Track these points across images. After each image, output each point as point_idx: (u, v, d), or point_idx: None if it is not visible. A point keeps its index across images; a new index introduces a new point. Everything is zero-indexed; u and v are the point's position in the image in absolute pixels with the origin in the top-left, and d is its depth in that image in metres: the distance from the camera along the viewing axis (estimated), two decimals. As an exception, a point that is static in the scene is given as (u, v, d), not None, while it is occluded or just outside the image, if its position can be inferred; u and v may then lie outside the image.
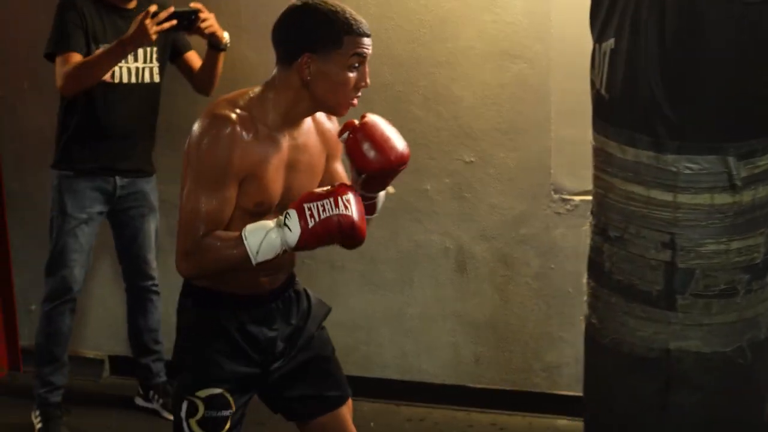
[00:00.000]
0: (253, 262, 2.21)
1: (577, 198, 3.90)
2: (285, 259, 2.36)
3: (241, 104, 2.28)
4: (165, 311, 4.14)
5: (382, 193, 2.46)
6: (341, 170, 2.55)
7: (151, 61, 3.89)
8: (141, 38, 3.56)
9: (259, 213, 2.28)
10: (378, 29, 3.84)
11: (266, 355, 2.47)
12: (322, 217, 2.19)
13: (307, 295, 2.60)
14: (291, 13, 2.31)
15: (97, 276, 4.33)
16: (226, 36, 3.83)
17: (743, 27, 1.95)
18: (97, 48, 3.70)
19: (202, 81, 3.98)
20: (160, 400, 4.16)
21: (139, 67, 3.86)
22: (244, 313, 2.43)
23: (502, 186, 4.01)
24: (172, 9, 3.61)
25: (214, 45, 3.86)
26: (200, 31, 3.75)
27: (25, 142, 4.50)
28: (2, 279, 4.58)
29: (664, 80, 2.01)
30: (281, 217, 2.21)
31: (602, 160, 2.14)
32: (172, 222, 3.69)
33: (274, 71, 2.35)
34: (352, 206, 2.25)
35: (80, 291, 4.01)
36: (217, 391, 2.37)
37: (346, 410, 2.65)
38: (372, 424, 4.01)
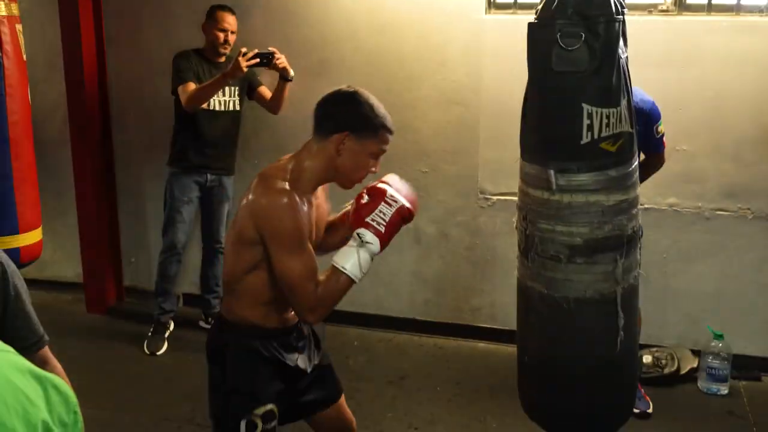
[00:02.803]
0: (358, 280, 2.08)
1: (495, 198, 4.17)
2: None
3: (285, 176, 2.09)
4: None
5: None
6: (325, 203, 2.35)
7: (233, 96, 4.15)
8: (236, 71, 3.76)
9: None
10: (366, 80, 4.11)
11: (296, 375, 2.29)
12: (387, 220, 2.07)
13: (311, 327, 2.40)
14: (342, 95, 2.15)
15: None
16: (291, 71, 4.02)
17: (544, 91, 2.12)
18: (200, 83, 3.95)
19: (273, 105, 4.18)
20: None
21: (226, 99, 4.12)
22: (275, 342, 2.23)
23: (446, 188, 4.30)
24: (256, 50, 3.80)
25: (283, 77, 4.05)
26: (275, 67, 3.93)
27: (129, 148, 4.77)
28: (113, 241, 4.84)
29: (525, 125, 2.24)
30: (357, 238, 2.06)
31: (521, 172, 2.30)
32: (231, 207, 4.19)
33: (311, 141, 2.17)
34: (397, 197, 2.13)
35: (184, 248, 4.29)
36: (270, 407, 2.18)
37: (341, 401, 2.49)
38: (356, 342, 4.32)
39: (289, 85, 4.11)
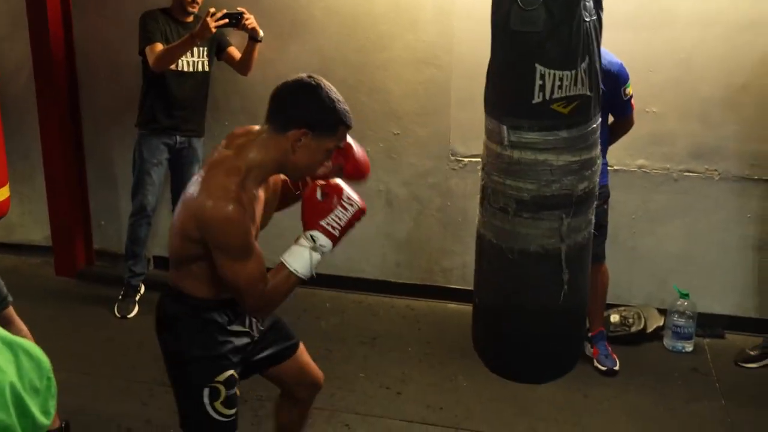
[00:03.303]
0: (307, 279, 2.07)
1: (466, 159, 4.18)
2: None
3: (234, 179, 1.99)
4: None
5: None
6: None
7: (202, 57, 4.07)
8: (204, 31, 3.73)
9: None
10: (337, 40, 4.22)
11: (250, 341, 2.31)
12: (342, 225, 2.05)
13: None
14: (302, 86, 2.03)
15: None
16: (261, 32, 3.99)
17: (502, 49, 2.11)
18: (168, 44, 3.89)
19: (243, 66, 4.15)
20: None
21: (195, 60, 4.05)
22: (229, 312, 2.22)
23: (417, 150, 4.28)
24: (224, 11, 3.77)
25: (253, 37, 4.02)
26: (244, 27, 3.89)
27: (98, 110, 4.69)
28: (82, 203, 4.77)
29: (487, 80, 2.20)
30: (310, 240, 2.03)
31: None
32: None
33: (264, 133, 2.06)
34: (353, 198, 2.11)
35: (154, 210, 4.24)
36: (230, 372, 2.20)
37: (301, 351, 2.48)
38: (327, 304, 4.33)
39: (258, 46, 4.07)
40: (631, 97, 3.47)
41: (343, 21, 4.24)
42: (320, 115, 2.02)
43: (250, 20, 3.92)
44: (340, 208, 2.06)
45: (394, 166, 4.35)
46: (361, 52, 4.24)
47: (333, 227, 2.04)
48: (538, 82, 2.03)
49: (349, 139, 2.18)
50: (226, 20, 3.79)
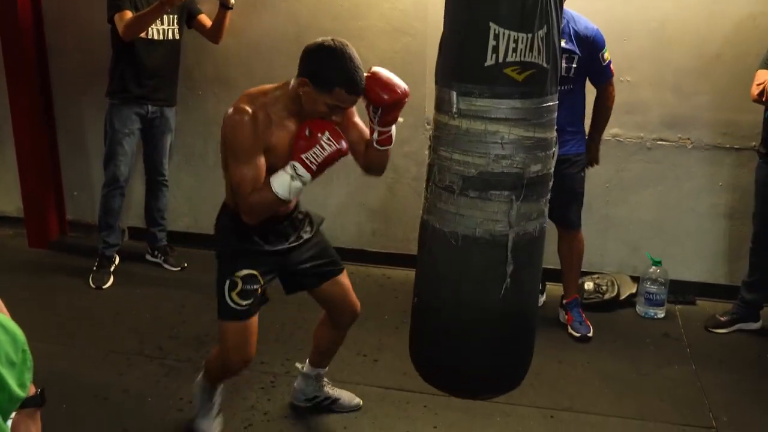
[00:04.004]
0: (288, 201, 2.39)
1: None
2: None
3: (259, 99, 2.37)
4: (169, 198, 4.46)
5: (394, 126, 2.50)
6: (359, 122, 2.57)
7: (172, 24, 4.02)
8: None
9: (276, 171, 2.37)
10: (313, 8, 4.18)
11: (286, 246, 2.62)
12: (319, 161, 2.31)
13: (308, 214, 2.74)
14: (320, 45, 2.32)
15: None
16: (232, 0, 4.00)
17: (457, 7, 2.04)
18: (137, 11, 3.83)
19: (214, 34, 4.11)
20: (161, 257, 4.45)
21: (165, 28, 4.01)
22: (267, 225, 2.54)
23: None
24: None
25: (223, 4, 4.01)
26: None
27: (69, 79, 4.62)
28: (54, 174, 4.73)
29: (440, 52, 2.10)
30: (292, 169, 2.31)
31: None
32: (179, 139, 4.15)
33: (293, 78, 2.39)
34: (334, 140, 2.32)
35: (127, 181, 4.20)
36: (250, 271, 2.54)
37: (345, 277, 2.82)
38: None
39: (229, 14, 4.03)
40: (610, 62, 3.48)
41: (318, -12, 4.18)
42: (321, 72, 2.30)
43: None
44: (319, 146, 2.31)
45: (370, 136, 4.31)
46: (337, 20, 4.21)
47: (311, 162, 2.32)
48: (492, 42, 1.93)
49: (377, 68, 2.38)
50: None
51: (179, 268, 4.45)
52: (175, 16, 4.02)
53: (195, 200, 4.70)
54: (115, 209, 4.25)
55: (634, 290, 4.10)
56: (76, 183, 4.83)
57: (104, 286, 4.20)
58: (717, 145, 4.04)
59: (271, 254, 2.61)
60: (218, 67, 4.39)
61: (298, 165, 2.33)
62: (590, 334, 3.75)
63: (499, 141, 2.01)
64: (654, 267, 4.00)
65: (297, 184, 2.34)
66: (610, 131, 4.06)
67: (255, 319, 2.65)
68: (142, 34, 3.90)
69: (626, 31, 3.93)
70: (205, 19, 4.13)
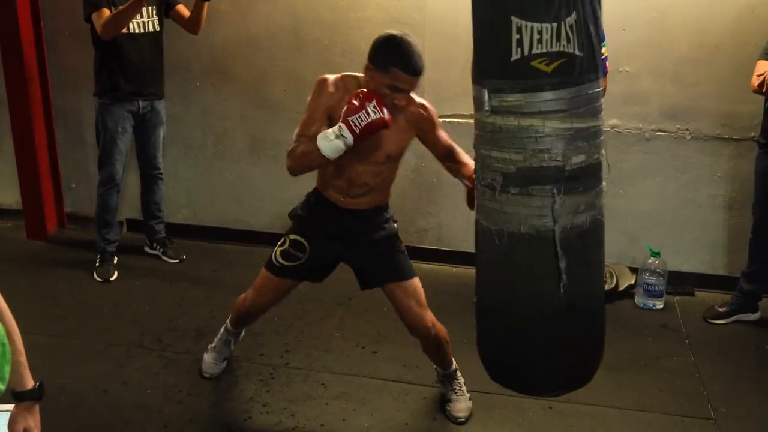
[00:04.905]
0: (326, 158, 2.54)
1: (439, 119, 4.25)
2: (359, 188, 2.78)
3: (345, 77, 2.68)
4: (164, 191, 4.45)
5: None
6: (443, 135, 2.85)
7: (151, 16, 3.99)
8: None
9: None
10: (311, 1, 4.16)
11: (349, 232, 2.85)
12: (362, 124, 2.49)
13: (387, 224, 2.98)
14: (383, 35, 2.60)
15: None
16: None
17: (476, 11, 2.02)
18: (115, 9, 3.81)
19: (191, 25, 4.07)
20: (160, 249, 4.45)
21: (145, 21, 3.97)
22: (332, 210, 2.83)
23: None
24: None
25: None
26: None
27: (66, 72, 4.60)
28: (52, 166, 4.72)
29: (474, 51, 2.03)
30: (338, 129, 2.51)
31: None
32: (172, 131, 4.16)
33: None
34: (378, 108, 2.51)
35: (122, 178, 4.20)
36: (301, 239, 2.84)
37: (405, 289, 2.93)
38: None
39: (207, 6, 3.99)
40: (606, 58, 3.46)
41: (315, -21, 4.17)
42: (379, 53, 2.56)
43: None
44: (365, 112, 2.50)
45: (369, 127, 4.30)
46: (336, 11, 4.20)
47: (355, 125, 2.51)
48: (515, 36, 1.90)
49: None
50: None
51: (178, 260, 4.44)
52: (154, 7, 3.99)
53: (193, 192, 4.69)
54: (112, 207, 4.25)
55: (632, 281, 4.10)
56: (74, 175, 4.82)
57: (111, 279, 4.19)
58: (716, 135, 4.04)
59: (327, 236, 2.86)
60: (216, 58, 4.38)
61: (343, 126, 2.51)
62: (589, 326, 3.74)
63: (534, 135, 1.96)
64: (653, 258, 4.00)
65: (339, 143, 2.52)
66: (609, 122, 4.05)
67: (287, 283, 2.93)
68: (123, 30, 3.87)
69: (626, 21, 3.92)
70: (183, 10, 4.09)
